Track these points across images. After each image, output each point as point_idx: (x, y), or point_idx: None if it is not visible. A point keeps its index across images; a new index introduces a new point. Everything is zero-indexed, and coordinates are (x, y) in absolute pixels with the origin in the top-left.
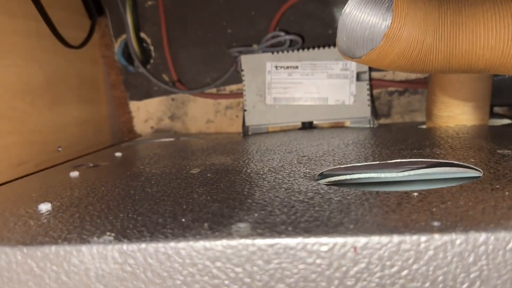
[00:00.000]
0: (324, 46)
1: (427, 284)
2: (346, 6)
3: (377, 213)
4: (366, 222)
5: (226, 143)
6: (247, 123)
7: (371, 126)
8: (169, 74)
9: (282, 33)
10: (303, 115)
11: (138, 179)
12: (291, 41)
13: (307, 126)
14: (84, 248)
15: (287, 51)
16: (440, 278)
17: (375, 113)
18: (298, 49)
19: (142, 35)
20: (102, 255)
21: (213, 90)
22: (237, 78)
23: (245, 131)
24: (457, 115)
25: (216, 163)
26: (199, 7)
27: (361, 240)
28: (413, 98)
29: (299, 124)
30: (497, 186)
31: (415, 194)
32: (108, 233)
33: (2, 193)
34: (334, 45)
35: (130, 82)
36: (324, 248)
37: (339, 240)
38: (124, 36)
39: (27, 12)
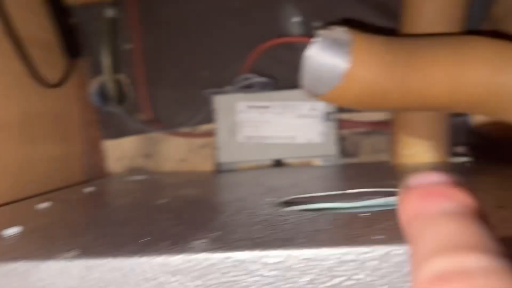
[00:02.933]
0: (293, 88)
1: None
2: (307, 49)
3: (327, 229)
4: (317, 237)
5: (197, 179)
6: (219, 161)
7: (339, 164)
8: (144, 114)
9: (252, 75)
10: (273, 153)
11: (105, 209)
12: (264, 84)
13: (278, 164)
14: (51, 262)
15: (259, 92)
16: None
17: (343, 152)
18: (268, 90)
19: (120, 76)
20: (67, 270)
21: (187, 130)
22: (212, 118)
23: (219, 169)
24: (418, 153)
25: (184, 195)
26: (176, 51)
27: (310, 252)
28: (379, 139)
29: (270, 162)
30: None
31: (364, 215)
32: (74, 251)
33: None
34: None
35: (105, 121)
36: (276, 260)
37: (291, 252)
38: (101, 77)
39: (7, 51)
